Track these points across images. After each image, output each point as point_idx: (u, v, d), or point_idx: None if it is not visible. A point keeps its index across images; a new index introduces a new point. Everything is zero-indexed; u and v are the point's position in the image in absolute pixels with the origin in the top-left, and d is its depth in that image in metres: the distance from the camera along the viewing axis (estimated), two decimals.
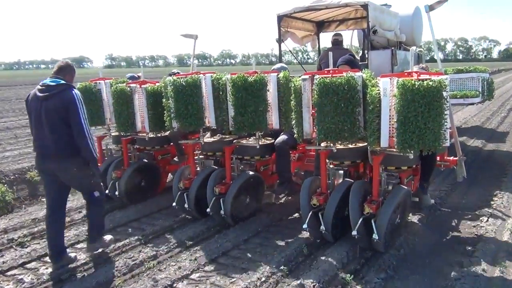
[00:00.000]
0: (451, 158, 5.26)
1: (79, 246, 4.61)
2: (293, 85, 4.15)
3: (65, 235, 4.72)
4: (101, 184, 4.40)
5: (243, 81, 4.44)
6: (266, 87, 4.51)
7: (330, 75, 3.91)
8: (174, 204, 5.11)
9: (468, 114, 13.95)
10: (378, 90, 3.70)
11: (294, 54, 9.06)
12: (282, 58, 8.34)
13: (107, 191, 5.71)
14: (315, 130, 4.01)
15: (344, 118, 3.84)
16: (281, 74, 4.55)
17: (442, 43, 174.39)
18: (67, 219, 5.23)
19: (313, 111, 3.98)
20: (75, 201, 6.02)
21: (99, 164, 6.07)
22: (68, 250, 4.33)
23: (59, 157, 3.98)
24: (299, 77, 4.14)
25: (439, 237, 4.51)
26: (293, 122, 4.23)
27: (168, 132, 5.73)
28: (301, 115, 4.13)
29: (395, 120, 3.57)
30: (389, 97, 3.65)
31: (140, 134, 5.79)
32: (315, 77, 3.96)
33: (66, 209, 4.46)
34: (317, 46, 9.44)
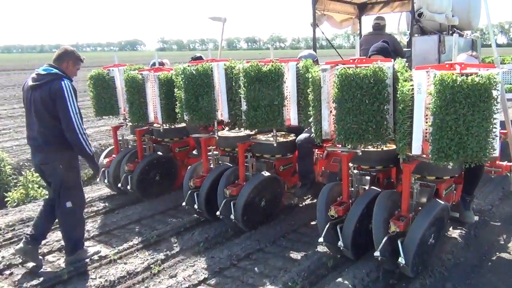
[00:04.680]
0: (504, 163, 4.46)
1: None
2: (311, 76, 3.55)
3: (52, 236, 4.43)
4: (81, 194, 3.97)
5: (256, 71, 3.89)
6: (283, 78, 3.94)
7: (354, 66, 3.28)
8: (184, 203, 4.69)
9: None
10: (411, 85, 3.04)
11: (330, 41, 8.30)
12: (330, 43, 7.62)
13: (119, 185, 5.43)
14: (335, 129, 3.41)
15: (369, 117, 3.20)
16: (301, 63, 3.94)
17: (506, 26, 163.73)
18: None
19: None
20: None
21: (113, 156, 5.85)
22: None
23: (45, 151, 3.68)
24: (319, 66, 3.54)
25: (484, 258, 3.80)
26: (311, 119, 3.65)
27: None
28: (320, 112, 3.54)
29: (430, 123, 2.90)
30: (424, 95, 2.98)
31: (155, 125, 5.41)
32: (336, 67, 3.35)
33: None
34: (359, 31, 8.63)
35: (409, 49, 6.63)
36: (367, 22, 10.49)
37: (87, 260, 3.88)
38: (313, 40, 7.55)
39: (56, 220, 3.92)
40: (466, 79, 2.71)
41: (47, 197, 4.12)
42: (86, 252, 3.96)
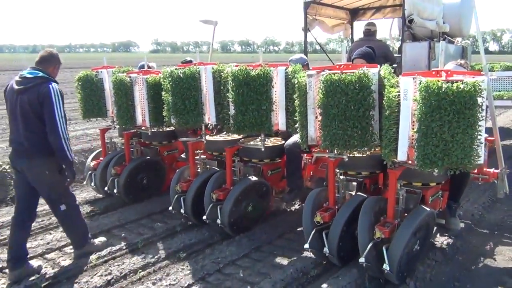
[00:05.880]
0: (491, 170, 4.46)
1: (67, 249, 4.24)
2: (297, 82, 3.54)
3: (47, 238, 4.42)
4: (71, 194, 4.01)
5: (244, 75, 3.86)
6: (272, 83, 3.91)
7: (339, 71, 3.27)
8: (170, 208, 4.65)
9: None
10: (398, 91, 3.03)
11: (323, 46, 8.30)
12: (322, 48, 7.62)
13: (106, 188, 5.37)
14: (321, 135, 3.39)
15: (354, 123, 3.18)
16: (290, 68, 3.92)
17: (498, 34, 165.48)
18: (49, 221, 4.88)
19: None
20: None
21: (101, 158, 5.79)
22: (43, 257, 4.00)
23: (31, 156, 3.61)
24: (305, 72, 3.53)
25: (470, 264, 3.80)
26: (297, 124, 3.63)
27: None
28: (306, 117, 3.51)
29: (416, 130, 2.89)
30: (410, 101, 2.97)
31: (143, 128, 5.36)
32: (322, 73, 3.33)
33: (37, 214, 4.10)
34: (351, 36, 8.64)
35: (400, 55, 6.63)
36: (359, 28, 10.52)
37: (101, 251, 4.06)
38: (304, 44, 7.55)
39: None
40: (452, 86, 2.71)
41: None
42: (94, 243, 4.11)
